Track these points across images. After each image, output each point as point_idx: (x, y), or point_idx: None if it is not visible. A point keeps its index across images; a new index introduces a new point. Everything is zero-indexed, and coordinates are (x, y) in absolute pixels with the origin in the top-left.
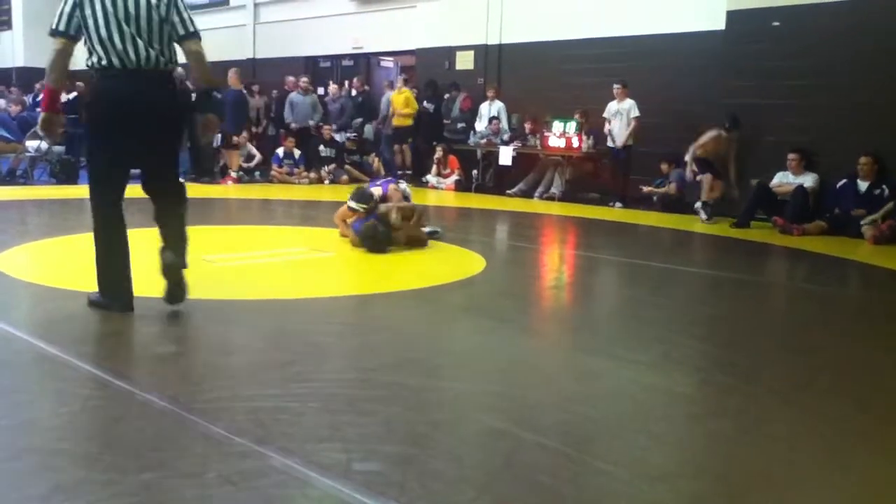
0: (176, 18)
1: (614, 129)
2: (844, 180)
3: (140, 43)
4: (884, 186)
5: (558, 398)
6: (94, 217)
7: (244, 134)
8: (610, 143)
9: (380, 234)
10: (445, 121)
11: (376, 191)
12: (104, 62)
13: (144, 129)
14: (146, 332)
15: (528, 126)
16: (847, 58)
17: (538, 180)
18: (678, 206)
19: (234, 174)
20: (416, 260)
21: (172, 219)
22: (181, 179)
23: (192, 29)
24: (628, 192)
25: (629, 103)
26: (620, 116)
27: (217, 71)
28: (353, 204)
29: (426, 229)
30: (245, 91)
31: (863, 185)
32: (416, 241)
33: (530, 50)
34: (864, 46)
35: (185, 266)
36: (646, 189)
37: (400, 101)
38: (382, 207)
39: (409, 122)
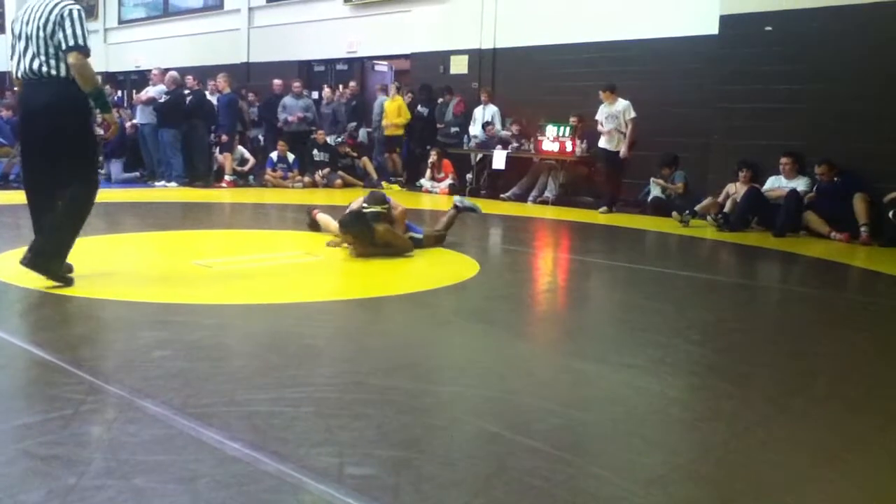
0: (60, 35)
1: (612, 133)
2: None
3: (29, 56)
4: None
5: (552, 402)
6: None
7: (237, 138)
8: (602, 145)
9: (363, 218)
10: (439, 125)
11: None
12: (19, 75)
13: (40, 126)
14: (139, 337)
15: (514, 128)
16: (839, 62)
17: (532, 184)
18: (669, 210)
19: (227, 177)
20: (410, 264)
21: (62, 208)
22: (94, 180)
23: (71, 43)
24: (621, 196)
25: (622, 105)
26: (616, 120)
27: (210, 75)
28: (370, 206)
29: (466, 203)
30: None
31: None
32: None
33: (524, 54)
34: (856, 51)
35: (38, 265)
36: (654, 180)
37: (393, 111)
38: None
39: (401, 132)
